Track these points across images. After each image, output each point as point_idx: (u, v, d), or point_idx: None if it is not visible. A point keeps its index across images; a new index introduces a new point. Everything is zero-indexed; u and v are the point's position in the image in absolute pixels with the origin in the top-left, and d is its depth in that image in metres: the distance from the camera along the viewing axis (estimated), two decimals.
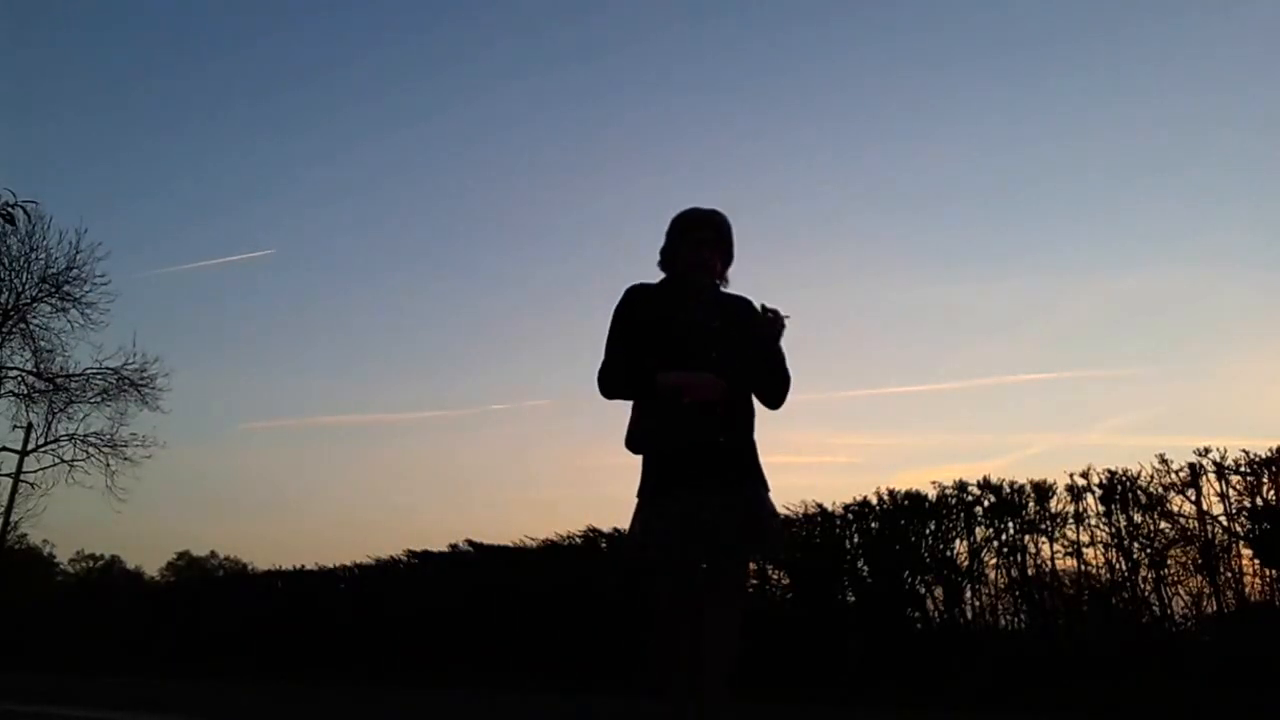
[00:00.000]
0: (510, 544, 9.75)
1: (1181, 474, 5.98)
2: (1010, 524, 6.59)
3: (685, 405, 2.47)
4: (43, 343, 18.84)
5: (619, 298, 2.73)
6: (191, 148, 54.91)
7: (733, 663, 2.52)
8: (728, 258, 2.75)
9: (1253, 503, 5.75)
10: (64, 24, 45.42)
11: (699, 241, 2.68)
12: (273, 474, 77.04)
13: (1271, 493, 5.68)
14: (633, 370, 2.60)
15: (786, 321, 2.62)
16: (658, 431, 2.55)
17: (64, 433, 19.83)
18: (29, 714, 5.76)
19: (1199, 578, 5.87)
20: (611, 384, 2.64)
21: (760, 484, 2.60)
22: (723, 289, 2.77)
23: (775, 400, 2.71)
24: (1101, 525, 6.24)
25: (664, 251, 2.75)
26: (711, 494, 2.48)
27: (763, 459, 2.65)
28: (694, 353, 2.56)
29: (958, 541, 6.78)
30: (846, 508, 7.30)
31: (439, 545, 10.63)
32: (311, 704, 6.79)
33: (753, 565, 7.55)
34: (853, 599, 7.19)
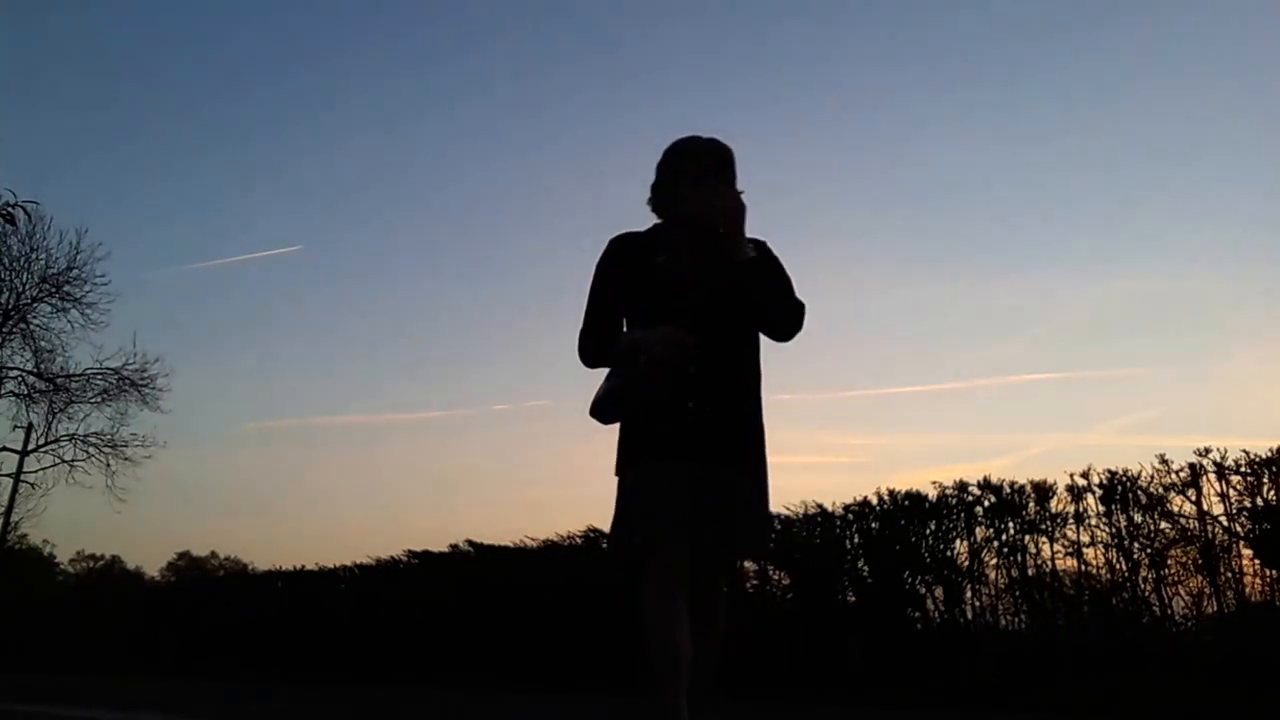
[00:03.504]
0: (510, 544, 9.76)
1: (1181, 474, 5.98)
2: (1010, 524, 6.59)
3: (641, 365, 2.14)
4: (43, 343, 18.86)
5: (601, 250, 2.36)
6: (200, 148, 54.75)
7: (709, 671, 2.20)
8: None
9: (1253, 503, 5.75)
10: (72, 13, 45.24)
11: (701, 173, 2.25)
12: (273, 474, 76.98)
13: (1271, 493, 5.68)
14: (605, 332, 2.28)
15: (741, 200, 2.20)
16: (615, 394, 2.22)
17: (64, 433, 19.83)
18: (29, 714, 5.76)
19: (1199, 578, 5.88)
20: (586, 350, 2.31)
21: (745, 467, 2.22)
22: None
23: (780, 330, 2.28)
24: (1102, 525, 6.24)
25: (656, 188, 2.34)
26: (683, 471, 2.13)
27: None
28: (670, 305, 2.19)
29: (958, 541, 6.78)
30: (846, 508, 7.30)
31: (439, 545, 10.65)
32: (312, 704, 6.79)
33: (751, 565, 7.56)
34: (853, 599, 7.19)
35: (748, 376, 2.29)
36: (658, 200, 2.34)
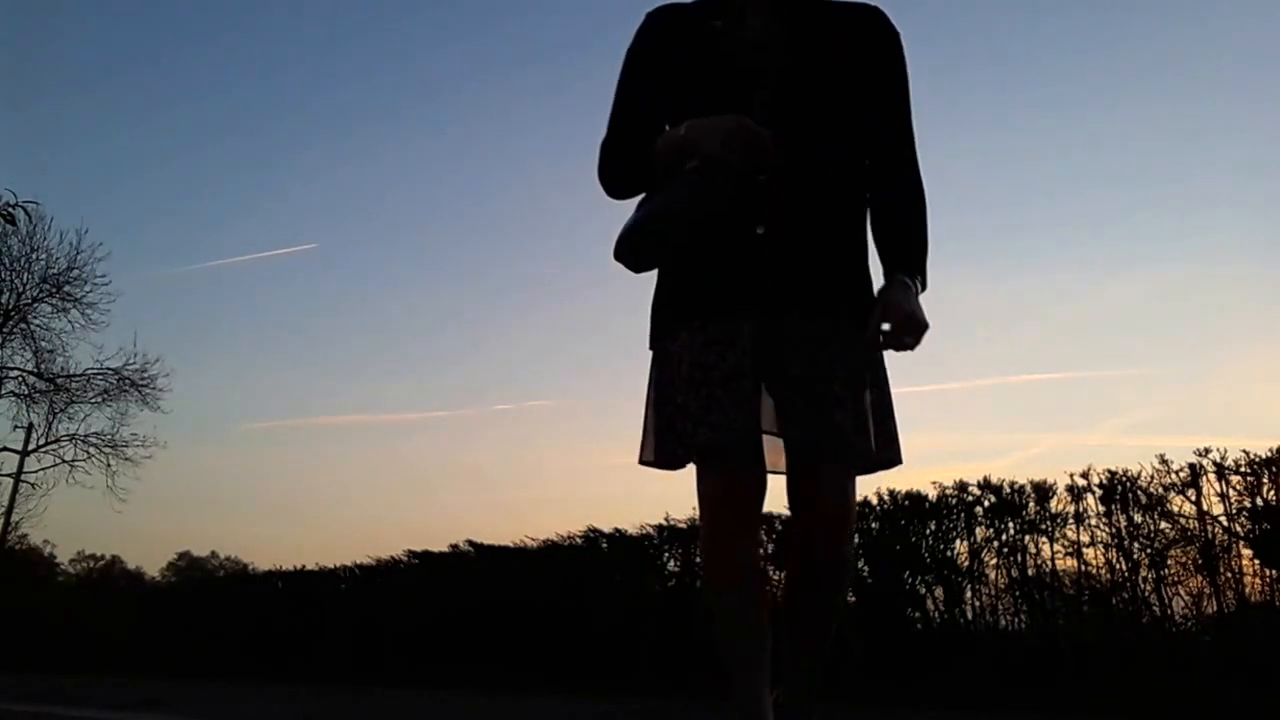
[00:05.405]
0: (510, 544, 9.77)
1: (1181, 474, 5.98)
2: (1010, 524, 6.59)
3: (690, 171, 1.45)
4: (43, 343, 18.94)
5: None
6: (201, 149, 54.75)
7: (814, 659, 1.57)
8: None
9: (1253, 503, 5.75)
10: (76, 10, 45.17)
11: None
12: (274, 474, 77.16)
13: (1271, 493, 5.68)
14: (636, 139, 1.59)
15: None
16: (651, 220, 1.50)
17: (65, 433, 19.89)
18: (28, 714, 5.76)
19: (1199, 578, 5.88)
20: (608, 167, 1.64)
21: (848, 323, 1.53)
22: None
23: (892, 205, 1.65)
24: (1102, 525, 6.24)
25: None
26: (748, 333, 1.48)
27: None
28: (733, 87, 1.53)
29: (958, 542, 6.79)
30: None
31: (439, 545, 10.66)
32: (312, 704, 6.79)
33: None
34: (853, 599, 7.19)
35: (844, 193, 1.60)
36: None
